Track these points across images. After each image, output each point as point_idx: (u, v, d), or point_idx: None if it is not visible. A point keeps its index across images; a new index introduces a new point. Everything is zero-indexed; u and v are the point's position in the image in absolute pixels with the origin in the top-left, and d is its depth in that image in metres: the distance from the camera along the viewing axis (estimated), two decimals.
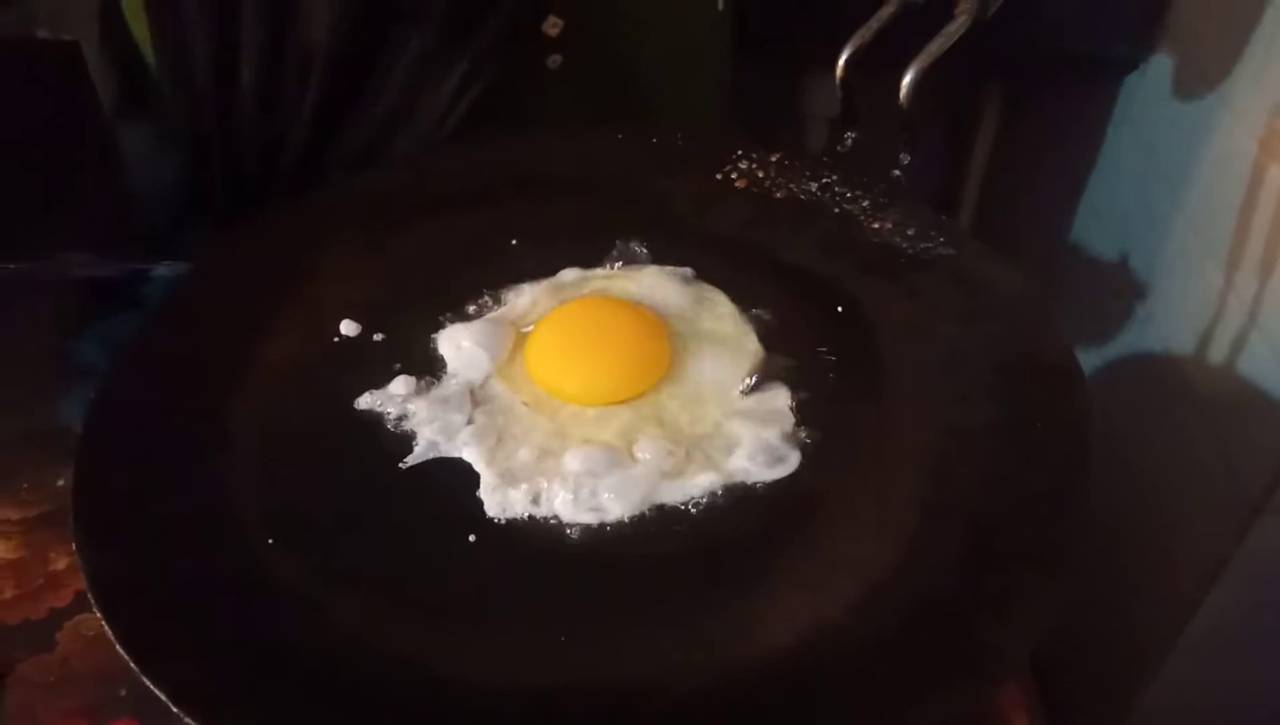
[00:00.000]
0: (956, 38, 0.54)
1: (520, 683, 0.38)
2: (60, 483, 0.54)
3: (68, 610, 0.50)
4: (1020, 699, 0.46)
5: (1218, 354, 1.00)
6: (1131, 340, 1.14)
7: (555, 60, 0.62)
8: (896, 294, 0.52)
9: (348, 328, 0.52)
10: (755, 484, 0.45)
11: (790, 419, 0.47)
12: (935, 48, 0.54)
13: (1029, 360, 0.48)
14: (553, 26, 0.61)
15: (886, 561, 0.41)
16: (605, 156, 0.59)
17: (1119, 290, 1.16)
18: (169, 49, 0.59)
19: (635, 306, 0.51)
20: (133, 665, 0.36)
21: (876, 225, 0.55)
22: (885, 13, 0.56)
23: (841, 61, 0.56)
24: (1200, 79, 1.03)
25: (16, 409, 0.58)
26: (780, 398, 0.48)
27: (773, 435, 0.46)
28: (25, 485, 0.55)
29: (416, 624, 0.40)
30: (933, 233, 0.54)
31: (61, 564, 0.52)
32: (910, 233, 0.54)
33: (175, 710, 0.35)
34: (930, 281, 0.52)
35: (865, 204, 0.56)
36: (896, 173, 0.57)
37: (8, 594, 0.50)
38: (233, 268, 0.54)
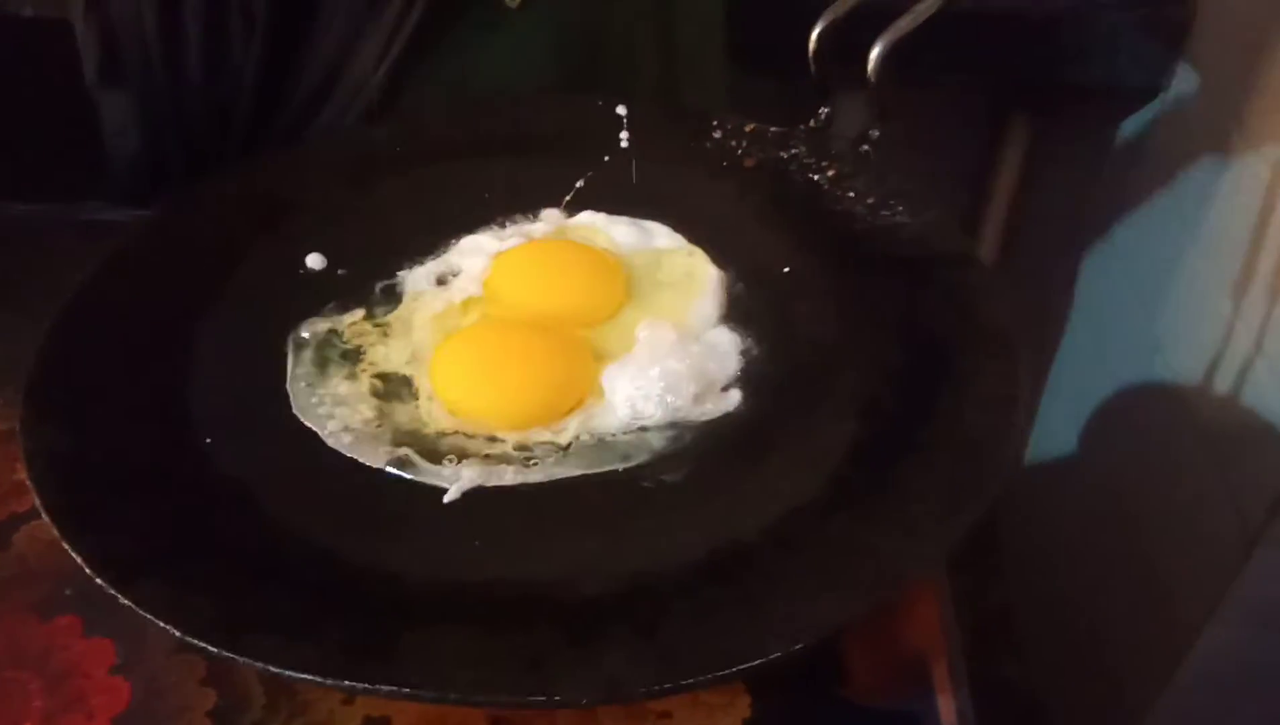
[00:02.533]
0: (926, 16, 0.55)
1: (437, 575, 0.39)
2: None
3: (25, 515, 0.52)
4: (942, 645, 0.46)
5: (1224, 383, 0.99)
6: (1140, 368, 1.13)
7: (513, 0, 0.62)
8: (847, 257, 0.53)
9: (314, 261, 0.53)
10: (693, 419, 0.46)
11: (735, 361, 0.48)
12: (905, 23, 0.55)
13: (969, 321, 0.48)
14: None
15: (808, 491, 0.42)
16: (578, 120, 0.61)
17: (1129, 317, 1.15)
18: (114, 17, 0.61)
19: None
20: (56, 532, 0.38)
21: (839, 193, 0.56)
22: None
23: (815, 35, 0.57)
24: (1217, 108, 1.03)
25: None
26: (726, 339, 0.49)
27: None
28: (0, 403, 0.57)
29: (338, 519, 0.41)
30: (892, 202, 0.55)
31: (25, 475, 0.54)
32: (870, 201, 0.55)
33: (91, 574, 0.36)
34: (883, 247, 0.53)
35: (831, 174, 0.57)
36: (865, 147, 0.58)
37: None
38: (215, 201, 0.56)
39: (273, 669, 0.34)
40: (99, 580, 0.36)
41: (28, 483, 0.52)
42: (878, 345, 0.48)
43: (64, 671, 0.46)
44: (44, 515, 0.39)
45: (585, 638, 0.37)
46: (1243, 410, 0.96)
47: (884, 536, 0.40)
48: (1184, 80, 1.09)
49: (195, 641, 0.35)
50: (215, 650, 0.35)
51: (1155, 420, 1.10)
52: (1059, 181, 1.32)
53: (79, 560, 0.37)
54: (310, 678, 0.34)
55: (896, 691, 0.47)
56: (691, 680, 0.36)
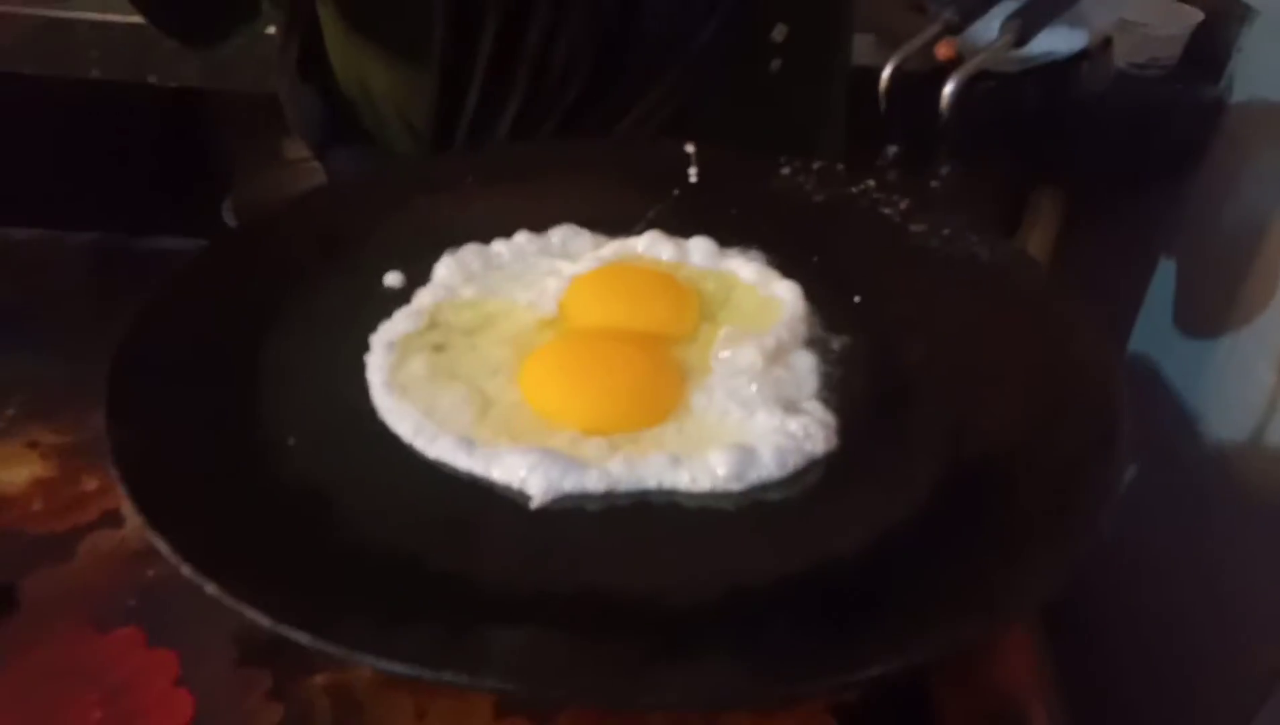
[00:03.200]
0: (1000, 55, 0.56)
1: (522, 583, 0.38)
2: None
3: (90, 526, 0.51)
4: (1036, 688, 0.44)
5: (1270, 450, 0.98)
6: (1182, 439, 1.12)
7: (777, 64, 0.66)
8: (927, 286, 0.52)
9: (392, 280, 0.54)
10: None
11: (817, 383, 0.48)
12: (978, 61, 0.56)
13: (1062, 350, 0.48)
14: (778, 33, 0.65)
15: (903, 513, 0.42)
16: (647, 156, 0.62)
17: (1175, 391, 1.14)
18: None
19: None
20: (140, 517, 0.37)
21: (913, 227, 0.56)
22: (930, 32, 0.58)
23: (885, 75, 0.58)
24: (1257, 179, 1.04)
25: (62, 350, 0.60)
26: (807, 363, 0.49)
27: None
28: (63, 416, 0.56)
29: (420, 526, 0.40)
30: (968, 235, 0.55)
31: (92, 486, 0.53)
32: (945, 233, 0.55)
33: (174, 560, 0.35)
34: (962, 277, 0.53)
35: (903, 207, 0.57)
36: (935, 184, 0.58)
37: (36, 507, 0.52)
38: (294, 218, 0.57)
39: (369, 658, 0.33)
40: (185, 569, 0.35)
41: (100, 487, 0.53)
42: (967, 373, 0.47)
43: (124, 684, 0.45)
44: (133, 506, 0.38)
45: (681, 647, 0.36)
46: None
47: (984, 564, 0.39)
48: (1221, 154, 1.10)
49: (287, 630, 0.34)
50: (309, 637, 0.33)
51: (1203, 488, 1.09)
52: (1094, 257, 1.33)
53: (163, 548, 0.36)
54: (406, 669, 0.33)
55: None
56: (791, 689, 0.35)
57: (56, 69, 1.12)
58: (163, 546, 0.36)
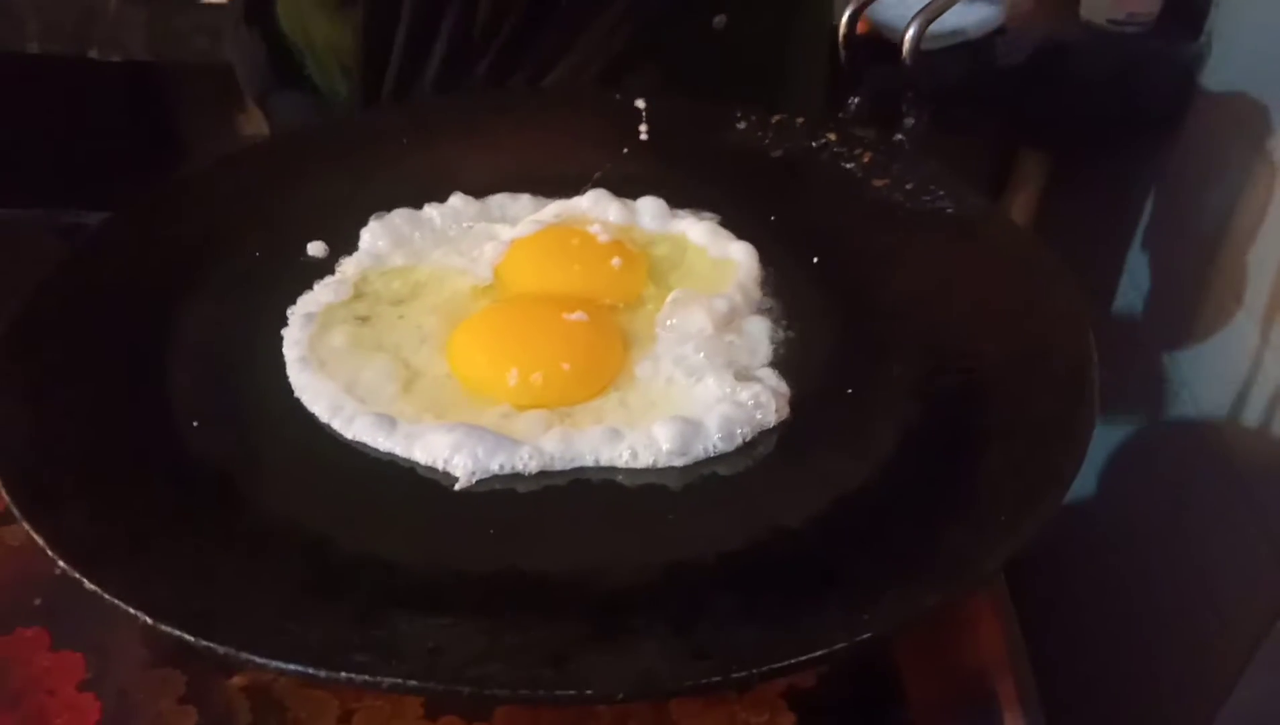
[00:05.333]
0: None
1: (442, 564, 0.35)
2: None
3: None
4: (1006, 662, 0.41)
5: (1253, 416, 0.96)
6: (1166, 403, 1.10)
7: (721, 20, 0.62)
8: (889, 243, 0.49)
9: (315, 249, 0.50)
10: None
11: (769, 349, 0.45)
12: (939, 4, 0.53)
13: (1030, 304, 0.45)
14: None
15: (858, 482, 0.39)
16: (596, 113, 0.58)
17: (1155, 352, 1.12)
18: None
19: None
20: (16, 512, 0.33)
21: (875, 182, 0.53)
22: None
23: (844, 20, 0.55)
24: (1235, 137, 1.01)
25: None
26: (760, 327, 0.45)
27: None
28: None
29: (331, 511, 0.37)
30: (932, 188, 0.51)
31: None
32: (909, 187, 0.52)
33: (53, 556, 0.32)
34: (926, 233, 0.50)
35: (865, 161, 0.54)
36: (899, 136, 0.55)
37: None
38: (209, 182, 0.53)
39: (257, 659, 0.30)
40: (62, 564, 0.32)
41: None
42: (929, 330, 0.44)
43: (25, 688, 0.41)
44: (7, 499, 0.34)
45: (614, 631, 0.32)
46: (1275, 443, 0.93)
47: (946, 529, 0.36)
48: (1202, 110, 1.08)
49: (168, 628, 0.30)
50: (191, 638, 0.30)
51: (1182, 456, 1.07)
52: (1075, 214, 1.30)
53: (40, 542, 0.32)
54: (298, 668, 0.30)
55: (959, 712, 0.42)
56: (727, 677, 0.32)
57: None
58: (37, 537, 0.33)
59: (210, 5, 1.08)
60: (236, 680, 0.42)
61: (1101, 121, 1.18)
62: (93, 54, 1.12)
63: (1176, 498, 1.04)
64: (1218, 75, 1.05)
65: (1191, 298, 1.06)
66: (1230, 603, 0.95)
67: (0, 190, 0.77)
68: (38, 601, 0.44)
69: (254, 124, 1.41)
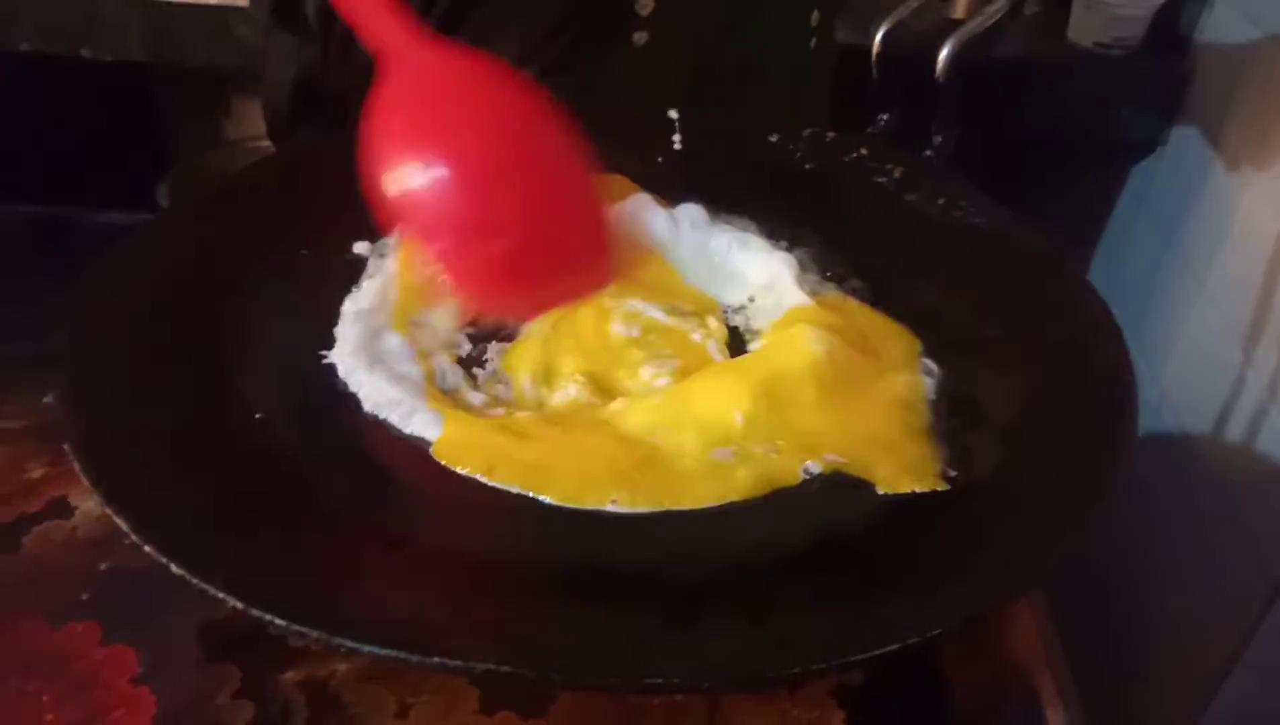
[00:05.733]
0: (996, 17, 0.55)
1: (517, 556, 0.35)
2: (46, 400, 0.53)
3: (37, 516, 0.47)
4: (1044, 660, 0.43)
5: (1236, 432, 0.98)
6: (1147, 420, 1.12)
7: (641, 37, 0.63)
8: (926, 253, 0.51)
9: (360, 248, 0.50)
10: None
11: None
12: (974, 25, 0.54)
13: (1067, 314, 0.46)
14: (643, 7, 0.62)
15: None
16: (631, 123, 0.59)
17: (1139, 367, 1.14)
18: None
19: None
20: (102, 500, 0.34)
21: (908, 196, 0.54)
22: None
23: (876, 40, 0.56)
24: (1220, 159, 1.04)
25: (7, 331, 0.56)
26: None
27: None
28: (13, 401, 0.53)
29: (400, 504, 0.38)
30: (963, 203, 0.53)
31: (38, 473, 0.49)
32: (940, 202, 0.53)
33: (136, 539, 0.32)
34: (959, 245, 0.51)
35: (896, 176, 0.55)
36: (929, 152, 0.56)
37: None
38: (259, 182, 0.53)
39: (349, 643, 0.30)
40: (149, 550, 0.32)
41: (49, 473, 0.49)
42: (970, 342, 0.46)
43: (80, 682, 0.41)
44: (87, 483, 0.34)
45: (691, 622, 0.33)
46: (1256, 458, 0.95)
47: (1001, 531, 0.37)
48: (1185, 132, 1.11)
49: (259, 613, 0.31)
50: (283, 622, 0.31)
51: (1166, 471, 1.09)
52: (1058, 231, 1.33)
53: (125, 527, 0.33)
54: (391, 653, 0.30)
55: (1001, 707, 0.43)
56: (807, 668, 0.33)
57: None
58: (125, 525, 0.33)
59: (205, 6, 1.08)
60: (291, 675, 0.42)
61: (1086, 142, 1.21)
62: (86, 53, 1.12)
63: (1160, 505, 1.07)
64: (1202, 97, 1.08)
65: (1175, 316, 1.08)
66: (1209, 610, 0.97)
67: None
68: (85, 596, 0.44)
69: (248, 125, 1.41)
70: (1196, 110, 1.09)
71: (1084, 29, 1.10)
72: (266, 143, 0.73)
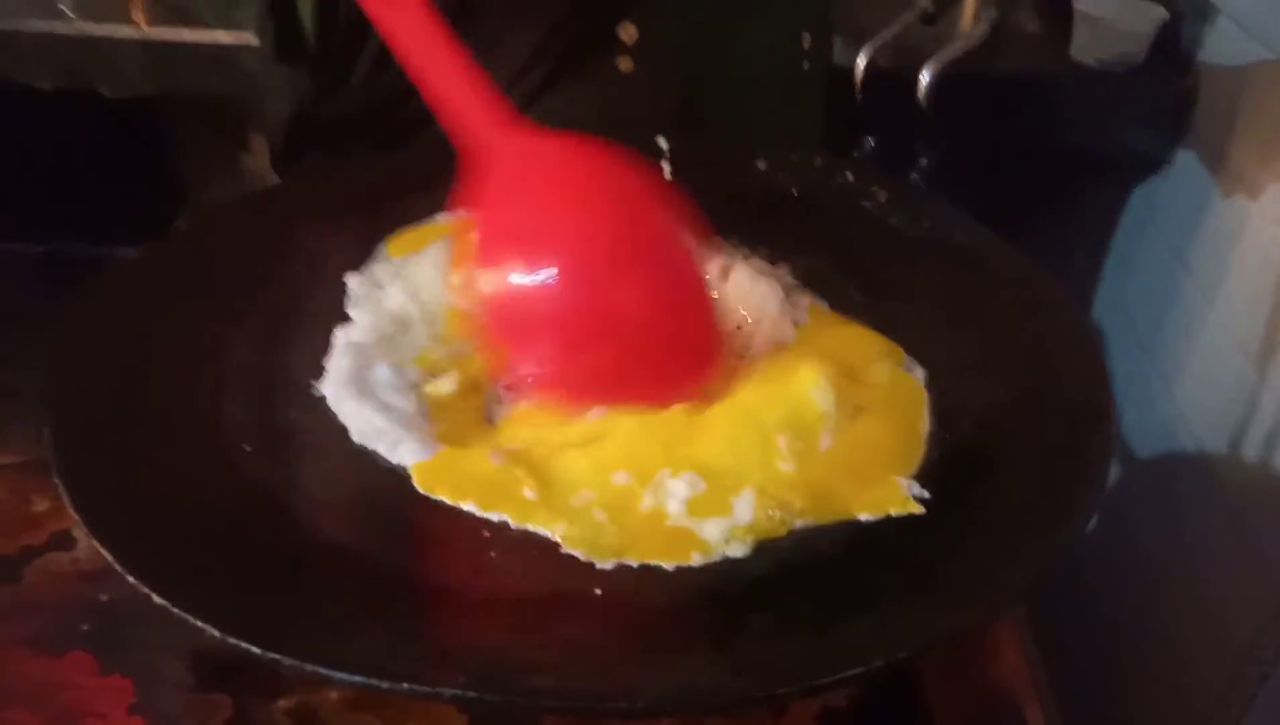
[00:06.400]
0: (976, 43, 0.55)
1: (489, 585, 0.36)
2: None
3: (39, 549, 0.48)
4: (1030, 685, 0.43)
5: (1250, 451, 0.98)
6: (1161, 439, 1.11)
7: (627, 64, 0.63)
8: (910, 276, 0.51)
9: (352, 280, 0.52)
10: None
11: None
12: (955, 49, 0.55)
13: (1046, 335, 0.47)
14: (627, 34, 0.62)
15: None
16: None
17: (1148, 388, 1.14)
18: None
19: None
20: (90, 535, 0.35)
21: (892, 220, 0.55)
22: (904, 21, 0.57)
23: (860, 64, 0.57)
24: (1227, 176, 1.04)
25: (14, 367, 0.58)
26: None
27: None
28: (15, 434, 0.54)
29: (379, 531, 0.38)
30: (947, 224, 0.53)
31: (42, 507, 0.50)
32: (925, 225, 0.54)
33: (120, 570, 0.33)
34: (944, 266, 0.52)
35: (882, 200, 0.56)
36: (914, 175, 0.57)
37: None
38: (254, 211, 0.55)
39: (321, 670, 0.31)
40: (130, 579, 0.33)
41: (51, 508, 0.50)
42: (948, 359, 0.46)
43: (74, 711, 0.42)
44: (74, 515, 0.35)
45: (657, 647, 0.34)
46: (1272, 479, 0.94)
47: (973, 552, 0.38)
48: (1191, 148, 1.10)
49: (235, 640, 0.31)
50: (258, 650, 0.31)
51: (1179, 493, 1.08)
52: (1066, 250, 1.32)
53: (108, 556, 0.33)
54: (362, 680, 0.31)
55: None
56: (769, 693, 0.33)
57: (3, 81, 1.09)
58: (109, 556, 0.34)
59: (218, 45, 1.10)
60: (283, 703, 0.43)
61: (1091, 159, 1.21)
62: (102, 90, 1.14)
63: (1179, 529, 1.06)
64: (1207, 114, 1.08)
65: (1187, 333, 1.08)
66: (1222, 630, 0.96)
67: (7, 224, 0.78)
68: (84, 627, 0.45)
69: (265, 159, 1.43)
70: (1202, 127, 1.09)
71: (1086, 46, 1.10)
72: None
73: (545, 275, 0.41)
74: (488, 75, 0.45)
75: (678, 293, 0.44)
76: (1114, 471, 1.14)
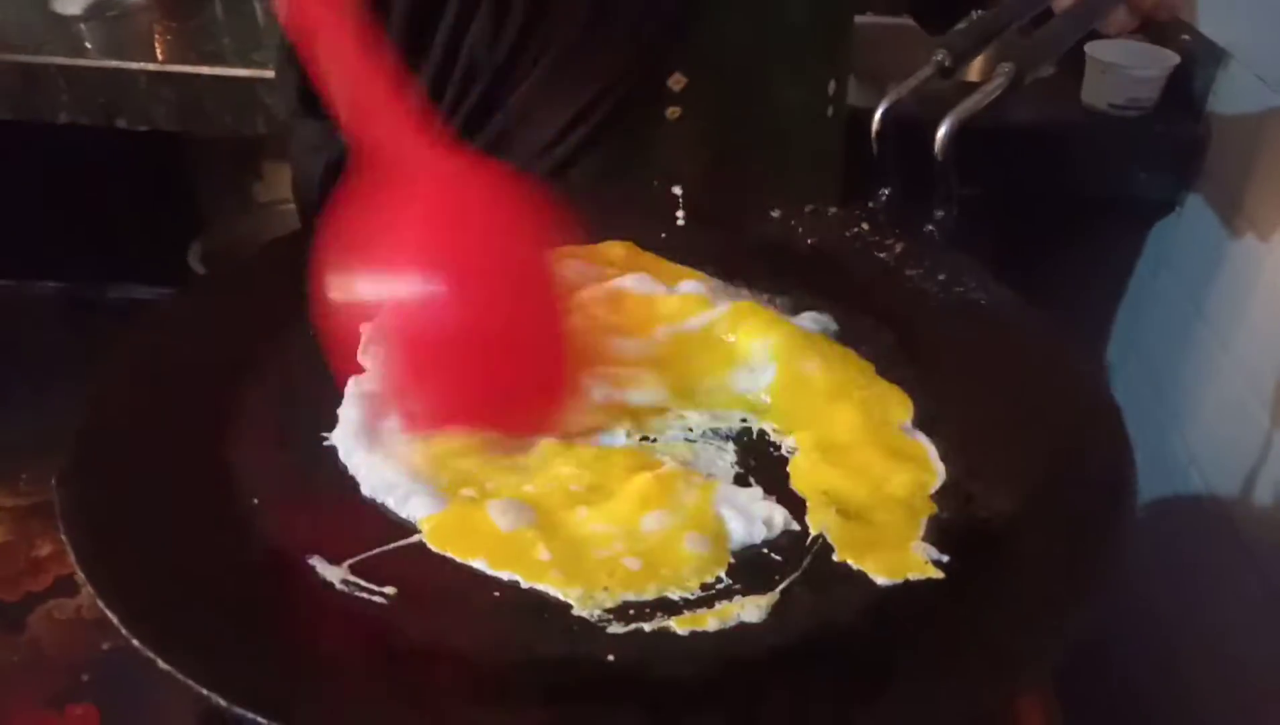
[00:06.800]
0: (994, 96, 0.55)
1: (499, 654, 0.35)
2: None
3: (42, 595, 0.48)
4: None
5: (1265, 495, 0.97)
6: (1175, 483, 1.10)
7: (675, 112, 0.65)
8: (925, 331, 0.51)
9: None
10: None
11: None
12: (971, 103, 0.55)
13: (1066, 399, 0.46)
14: (676, 82, 0.64)
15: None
16: (634, 198, 0.60)
17: (1162, 433, 1.13)
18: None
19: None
20: (94, 593, 0.34)
21: (909, 272, 0.55)
22: (922, 74, 0.57)
23: (877, 117, 0.57)
24: (1240, 220, 1.03)
25: (26, 407, 0.57)
26: None
27: None
28: (24, 476, 0.54)
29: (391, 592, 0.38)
30: (964, 278, 0.53)
31: (45, 551, 0.50)
32: (941, 278, 0.53)
33: (125, 632, 0.33)
34: (960, 321, 0.51)
35: (898, 251, 0.56)
36: (930, 228, 0.57)
37: None
38: (266, 265, 0.55)
39: None
40: (135, 642, 0.32)
41: (56, 551, 0.50)
42: (969, 424, 0.45)
43: None
44: (80, 574, 0.35)
45: (672, 722, 0.33)
46: None
47: (994, 626, 0.37)
48: (1204, 193, 1.10)
49: (242, 710, 0.31)
50: (264, 722, 0.31)
51: (1194, 535, 1.07)
52: (1080, 293, 1.32)
53: (114, 619, 0.33)
54: None
55: None
56: None
57: (26, 114, 1.10)
58: (113, 618, 0.33)
59: (235, 79, 1.11)
60: None
61: (1104, 203, 1.21)
62: (121, 124, 1.15)
63: (1196, 576, 1.05)
64: (1219, 158, 1.08)
65: (1201, 378, 1.07)
66: (1241, 679, 0.95)
67: (23, 262, 0.78)
68: (86, 677, 0.45)
69: (278, 189, 1.44)
70: (1214, 171, 1.09)
71: (1098, 92, 1.10)
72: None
73: (415, 288, 0.43)
74: (407, 90, 0.47)
75: (537, 319, 0.46)
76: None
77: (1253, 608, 0.95)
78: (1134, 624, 1.12)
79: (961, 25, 0.61)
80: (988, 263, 0.58)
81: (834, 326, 0.51)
